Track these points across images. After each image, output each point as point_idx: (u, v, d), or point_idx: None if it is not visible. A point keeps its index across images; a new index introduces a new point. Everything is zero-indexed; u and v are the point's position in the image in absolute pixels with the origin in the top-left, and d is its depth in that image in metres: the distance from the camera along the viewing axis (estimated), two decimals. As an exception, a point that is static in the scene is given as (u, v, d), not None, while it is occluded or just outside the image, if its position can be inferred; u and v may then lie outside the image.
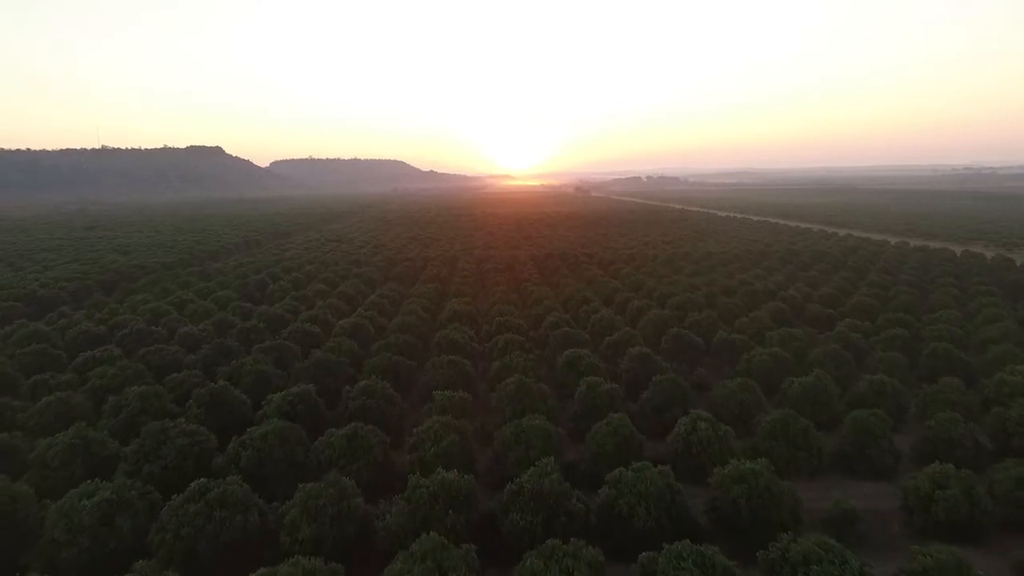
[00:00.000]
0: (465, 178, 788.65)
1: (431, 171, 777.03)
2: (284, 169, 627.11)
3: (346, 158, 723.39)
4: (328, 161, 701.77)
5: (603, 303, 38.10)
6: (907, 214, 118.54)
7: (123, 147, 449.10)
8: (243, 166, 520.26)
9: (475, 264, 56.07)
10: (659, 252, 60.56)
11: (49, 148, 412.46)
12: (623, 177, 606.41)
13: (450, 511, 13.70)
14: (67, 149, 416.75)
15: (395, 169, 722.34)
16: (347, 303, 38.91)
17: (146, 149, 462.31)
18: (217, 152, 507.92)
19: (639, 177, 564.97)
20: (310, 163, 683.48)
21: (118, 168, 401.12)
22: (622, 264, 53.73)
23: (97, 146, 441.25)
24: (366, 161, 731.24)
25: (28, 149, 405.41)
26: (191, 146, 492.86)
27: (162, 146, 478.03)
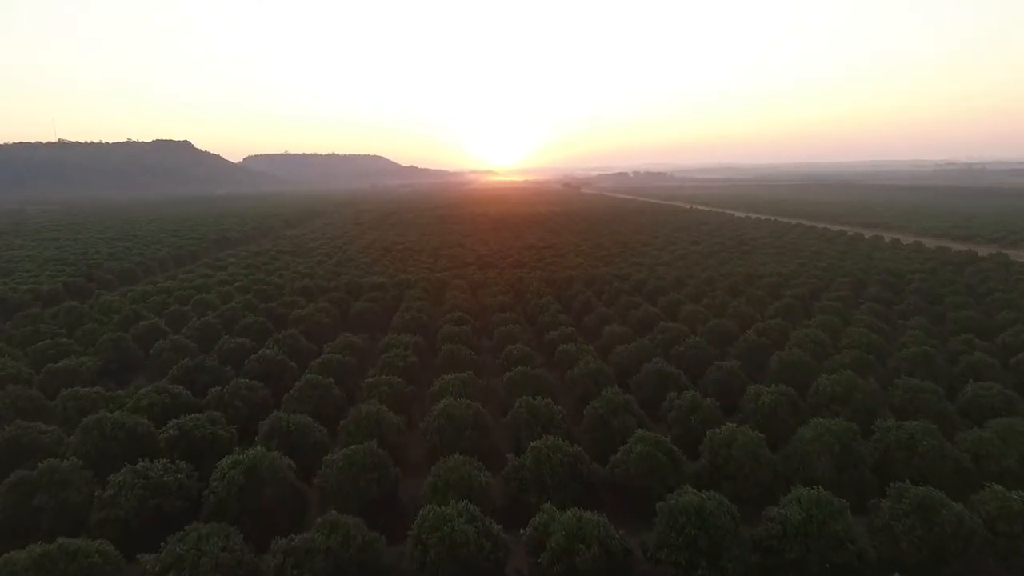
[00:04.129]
0: (447, 174, 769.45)
1: (412, 166, 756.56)
2: (258, 164, 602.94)
3: (323, 153, 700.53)
4: (304, 156, 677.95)
5: (692, 380, 23.42)
6: (945, 214, 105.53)
7: (83, 141, 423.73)
8: (213, 161, 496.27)
9: (470, 292, 41.15)
10: (712, 272, 46.06)
11: (0, 141, 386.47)
12: (609, 173, 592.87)
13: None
14: (20, 143, 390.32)
15: (374, 164, 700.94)
16: (268, 380, 23.71)
17: (108, 143, 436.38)
18: (185, 146, 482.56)
19: (626, 173, 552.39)
20: (285, 158, 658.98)
21: (76, 163, 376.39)
22: (671, 291, 39.17)
23: (54, 140, 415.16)
24: (344, 156, 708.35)
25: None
26: (157, 140, 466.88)
27: (126, 140, 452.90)
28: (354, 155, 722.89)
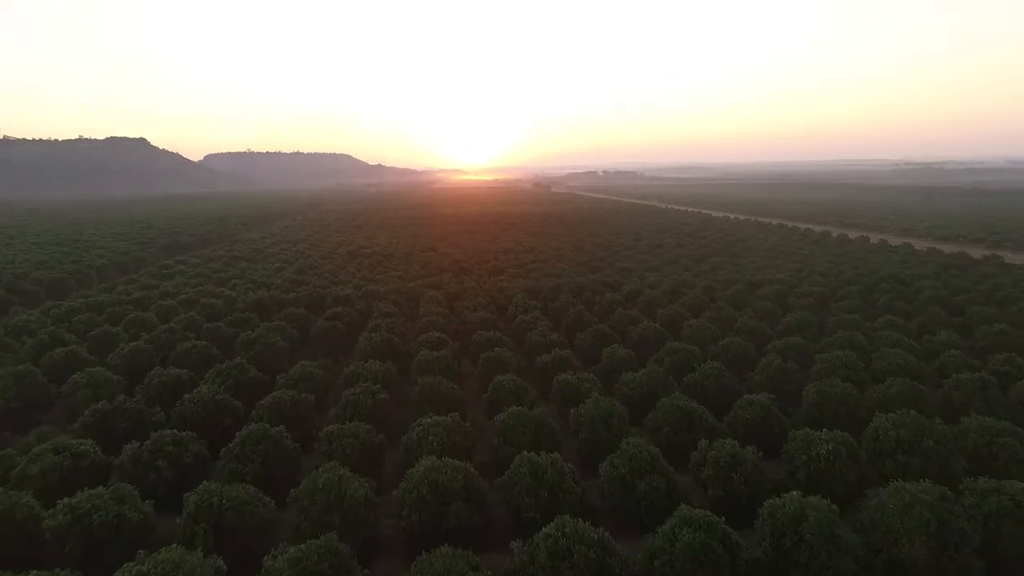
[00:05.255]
0: (415, 172, 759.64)
1: (379, 165, 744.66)
2: (219, 163, 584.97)
3: (288, 151, 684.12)
4: (268, 154, 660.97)
5: (716, 416, 19.78)
6: (922, 213, 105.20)
7: (30, 138, 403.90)
8: (171, 159, 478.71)
9: (447, 305, 36.98)
10: (707, 279, 42.77)
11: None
12: (580, 172, 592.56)
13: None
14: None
15: (340, 163, 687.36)
16: (204, 426, 19.23)
17: (58, 140, 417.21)
18: (141, 144, 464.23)
19: (596, 172, 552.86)
20: (248, 156, 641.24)
21: (23, 161, 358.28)
22: (667, 302, 35.67)
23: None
24: (309, 154, 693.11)
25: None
26: (111, 137, 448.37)
27: (77, 137, 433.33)
28: (320, 153, 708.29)
